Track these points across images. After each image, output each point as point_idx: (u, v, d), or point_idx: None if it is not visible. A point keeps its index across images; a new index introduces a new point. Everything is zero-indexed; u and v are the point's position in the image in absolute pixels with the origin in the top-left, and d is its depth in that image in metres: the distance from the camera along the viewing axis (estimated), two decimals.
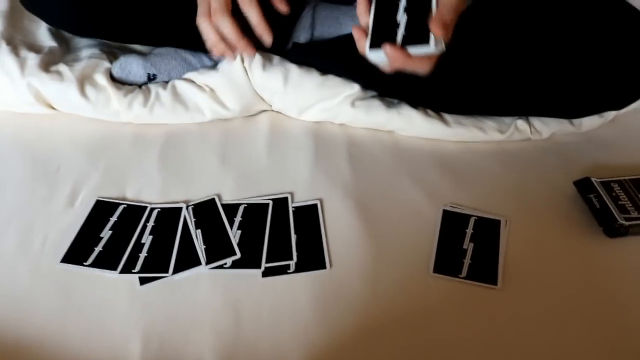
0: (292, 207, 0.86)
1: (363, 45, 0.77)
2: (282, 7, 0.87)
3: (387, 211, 0.85)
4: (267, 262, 0.78)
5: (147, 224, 0.83)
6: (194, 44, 1.05)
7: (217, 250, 0.79)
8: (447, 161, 0.94)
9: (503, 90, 0.90)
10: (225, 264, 0.78)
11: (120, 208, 0.85)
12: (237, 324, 0.71)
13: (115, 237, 0.81)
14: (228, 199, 0.87)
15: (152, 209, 0.85)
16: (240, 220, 0.84)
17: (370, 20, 0.77)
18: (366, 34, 0.77)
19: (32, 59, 0.99)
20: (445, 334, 0.71)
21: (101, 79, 0.98)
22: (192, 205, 0.86)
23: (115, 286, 0.76)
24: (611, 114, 1.00)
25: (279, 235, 0.82)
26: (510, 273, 0.77)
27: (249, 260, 0.78)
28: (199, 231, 0.82)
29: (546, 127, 0.97)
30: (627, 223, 0.80)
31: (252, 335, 0.70)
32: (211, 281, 0.76)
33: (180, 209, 0.85)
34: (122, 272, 0.77)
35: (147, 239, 0.81)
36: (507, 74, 0.88)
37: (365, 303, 0.74)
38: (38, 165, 0.93)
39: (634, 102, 0.91)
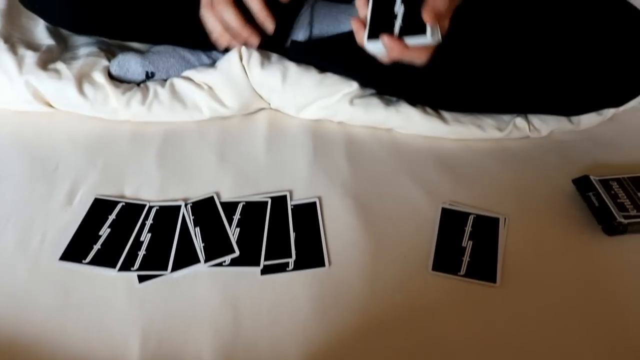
0: (291, 205, 0.86)
1: (361, 36, 0.78)
2: None
3: (386, 209, 0.85)
4: (265, 260, 0.78)
5: (146, 222, 0.83)
6: (193, 42, 1.05)
7: (216, 248, 0.79)
8: (446, 159, 0.94)
9: (501, 88, 0.90)
10: (224, 261, 0.78)
11: (119, 206, 0.85)
12: (236, 321, 0.71)
13: (113, 235, 0.81)
14: (227, 196, 0.87)
15: (150, 207, 0.85)
16: (239, 218, 0.84)
17: (368, 12, 0.79)
18: (364, 26, 0.78)
19: (30, 57, 0.98)
20: (444, 331, 0.71)
21: (99, 77, 0.97)
22: (191, 203, 0.86)
23: (114, 284, 0.76)
24: (610, 112, 1.01)
25: (277, 233, 0.82)
26: (509, 271, 0.77)
27: (247, 258, 0.78)
28: (197, 229, 0.82)
29: (545, 125, 0.97)
30: (625, 221, 0.80)
31: (251, 333, 0.70)
32: (210, 279, 0.76)
33: (178, 207, 0.85)
34: (120, 269, 0.77)
35: (145, 237, 0.81)
36: (506, 71, 0.88)
37: (364, 301, 0.74)
38: (36, 164, 0.92)
39: (633, 99, 0.91)
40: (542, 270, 0.78)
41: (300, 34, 1.03)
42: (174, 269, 0.77)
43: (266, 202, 0.86)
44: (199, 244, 0.80)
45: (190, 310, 0.73)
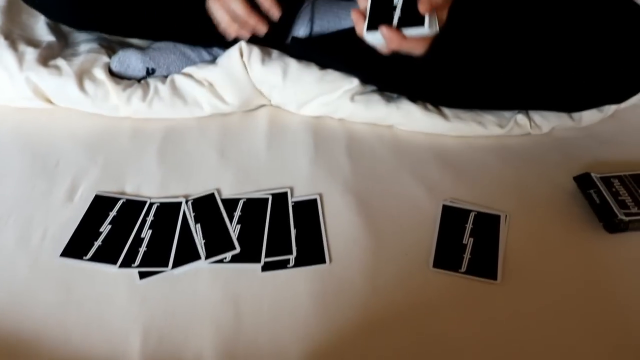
0: (292, 202, 0.86)
1: (361, 27, 0.80)
2: None
3: (386, 206, 0.85)
4: (266, 256, 0.78)
5: (147, 219, 0.83)
6: (193, 38, 1.05)
7: (217, 244, 0.79)
8: (447, 156, 0.94)
9: (502, 83, 0.90)
10: (225, 258, 0.78)
11: (120, 202, 0.85)
12: (237, 318, 0.71)
13: (114, 231, 0.81)
14: (227, 193, 0.87)
15: (151, 204, 0.85)
16: (240, 215, 0.84)
17: (368, 4, 0.80)
18: (364, 17, 0.80)
19: (30, 53, 0.98)
20: (445, 328, 0.71)
21: (100, 74, 0.97)
22: (192, 199, 0.86)
23: (114, 280, 0.76)
24: (611, 109, 1.00)
25: (278, 229, 0.82)
26: (510, 268, 0.77)
27: (248, 255, 0.78)
28: (198, 226, 0.82)
29: (546, 122, 0.97)
30: (627, 218, 0.80)
31: (252, 330, 0.70)
32: (211, 276, 0.76)
33: (179, 203, 0.85)
34: (121, 266, 0.77)
35: (146, 234, 0.81)
36: (506, 66, 0.87)
37: (365, 298, 0.74)
38: (37, 160, 0.92)
39: (634, 95, 0.91)
40: (543, 267, 0.78)
41: (300, 31, 1.03)
42: (174, 266, 0.77)
43: (267, 199, 0.86)
44: (199, 241, 0.80)
45: (191, 306, 0.73)
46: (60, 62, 0.98)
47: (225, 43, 1.00)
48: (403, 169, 0.92)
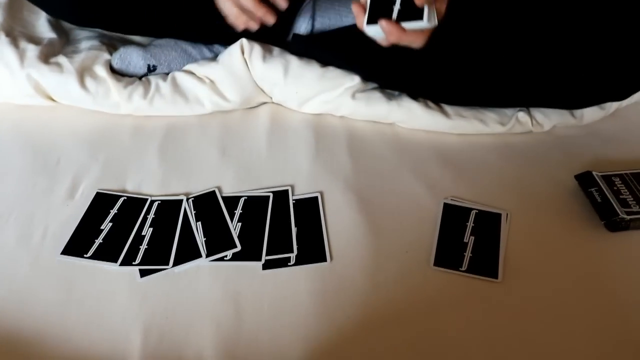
0: (293, 200, 0.86)
1: (361, 20, 0.81)
2: None
3: (387, 204, 0.85)
4: (267, 254, 0.78)
5: (148, 216, 0.83)
6: (194, 35, 1.05)
7: (218, 242, 0.79)
8: (448, 154, 0.94)
9: (503, 80, 0.90)
10: (226, 256, 0.78)
11: (121, 200, 0.85)
12: (238, 316, 0.71)
13: (115, 229, 0.81)
14: (228, 191, 0.87)
15: (152, 201, 0.85)
16: (241, 213, 0.84)
17: None
18: (365, 11, 0.81)
19: (31, 50, 0.98)
20: (446, 327, 0.71)
21: (101, 71, 0.97)
22: (193, 197, 0.86)
23: (115, 278, 0.76)
24: (613, 106, 1.00)
25: (279, 228, 0.82)
26: (511, 267, 0.77)
27: (249, 253, 0.78)
28: (199, 223, 0.82)
29: (547, 119, 0.97)
30: (628, 217, 0.80)
31: (253, 328, 0.70)
32: (211, 273, 0.76)
33: (180, 201, 0.85)
34: (122, 264, 0.77)
35: (147, 232, 0.81)
36: (507, 62, 0.87)
37: (366, 296, 0.74)
38: (38, 158, 0.92)
39: (635, 92, 0.90)
40: (544, 266, 0.78)
41: (302, 28, 1.03)
42: (175, 264, 0.77)
43: (268, 197, 0.86)
44: (200, 239, 0.80)
45: (191, 304, 0.73)
46: (61, 59, 0.98)
47: (227, 40, 1.00)
48: (404, 166, 0.91)
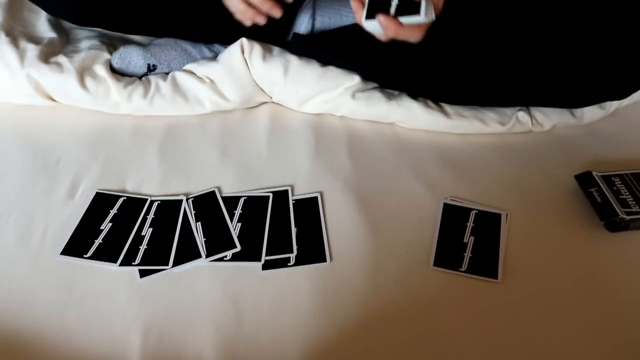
0: (293, 200, 0.86)
1: (360, 15, 0.82)
2: None
3: (387, 204, 0.85)
4: (267, 255, 0.78)
5: (147, 217, 0.83)
6: (194, 34, 1.05)
7: (217, 242, 0.79)
8: (447, 154, 0.94)
9: (503, 79, 0.90)
10: (225, 256, 0.78)
11: (120, 200, 0.85)
12: (237, 316, 0.71)
13: (115, 229, 0.81)
14: (228, 191, 0.87)
15: (152, 202, 0.85)
16: (241, 213, 0.84)
17: None
18: (363, 6, 0.82)
19: (31, 50, 0.98)
20: (445, 327, 0.71)
21: (101, 70, 0.97)
22: (192, 197, 0.86)
23: (115, 279, 0.76)
24: (612, 106, 1.00)
25: (279, 228, 0.82)
26: (511, 267, 0.77)
27: (249, 253, 0.78)
28: (199, 224, 0.82)
29: (547, 119, 0.97)
30: (628, 217, 0.80)
31: (252, 328, 0.70)
32: (211, 274, 0.76)
33: (180, 201, 0.85)
34: (122, 264, 0.77)
35: (147, 232, 0.81)
36: (505, 59, 0.87)
37: (366, 296, 0.74)
38: (38, 158, 0.92)
39: (635, 91, 0.90)
40: (544, 266, 0.78)
41: (302, 27, 1.03)
42: (175, 264, 0.77)
43: (267, 197, 0.86)
44: (200, 239, 0.80)
45: (191, 305, 0.73)
46: (61, 59, 0.98)
47: (227, 39, 1.00)
48: (404, 166, 0.91)
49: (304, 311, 0.72)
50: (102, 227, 0.81)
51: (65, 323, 0.71)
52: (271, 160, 0.92)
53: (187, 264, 0.77)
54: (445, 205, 0.85)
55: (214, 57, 1.02)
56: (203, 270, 0.77)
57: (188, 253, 0.78)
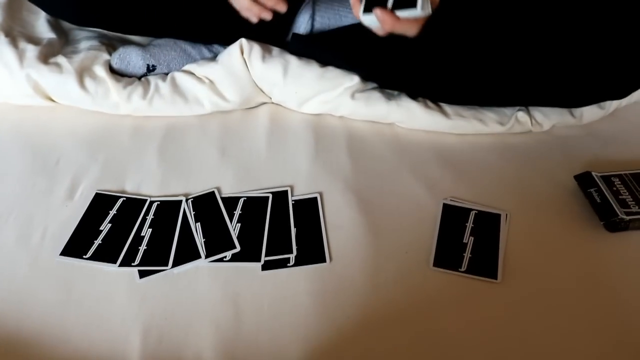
0: (292, 201, 0.86)
1: (357, 10, 0.83)
2: None
3: (387, 204, 0.85)
4: (266, 255, 0.78)
5: (147, 217, 0.83)
6: (194, 35, 1.05)
7: (217, 243, 0.79)
8: (447, 155, 0.94)
9: (502, 78, 0.90)
10: (225, 257, 0.78)
11: (120, 201, 0.85)
12: (237, 317, 0.71)
13: (114, 230, 0.81)
14: (228, 192, 0.87)
15: (151, 202, 0.85)
16: (240, 214, 0.84)
17: None
18: (361, 0, 0.83)
19: (30, 50, 0.98)
20: (445, 327, 0.71)
21: (100, 71, 0.97)
22: (192, 198, 0.86)
23: (114, 279, 0.76)
24: (612, 106, 1.00)
25: (278, 228, 0.82)
26: (510, 267, 0.77)
27: (248, 254, 0.78)
28: (198, 224, 0.82)
29: (547, 119, 0.97)
30: (627, 217, 0.80)
31: (252, 329, 0.70)
32: (211, 274, 0.76)
33: (179, 202, 0.85)
34: (121, 265, 0.77)
35: (146, 232, 0.81)
36: (505, 58, 0.87)
37: (365, 296, 0.74)
38: (37, 158, 0.92)
39: (635, 91, 0.90)
40: (544, 266, 0.78)
41: (301, 28, 1.03)
42: (174, 265, 0.77)
43: (267, 198, 0.86)
44: (199, 240, 0.80)
45: (191, 305, 0.73)
46: (60, 59, 0.98)
47: (226, 40, 1.00)
48: (403, 167, 0.91)
49: (303, 311, 0.72)
50: (101, 228, 0.81)
51: (64, 324, 0.71)
52: (271, 160, 0.92)
53: (186, 264, 0.77)
54: (445, 206, 0.85)
55: (214, 58, 1.02)
56: (203, 270, 0.77)
57: (188, 253, 0.78)
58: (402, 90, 0.99)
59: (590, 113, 0.98)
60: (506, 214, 0.84)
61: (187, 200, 0.85)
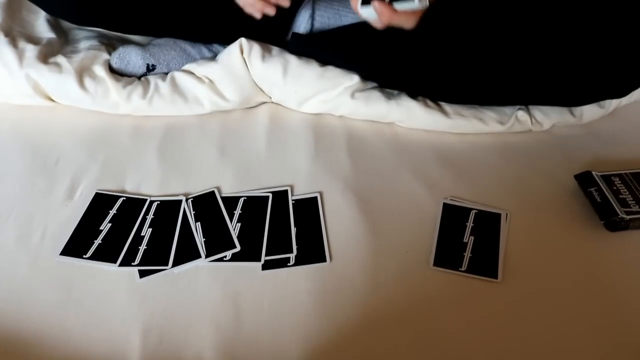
0: (292, 200, 0.85)
1: (356, 2, 0.83)
2: None
3: (387, 204, 0.85)
4: (267, 255, 0.78)
5: (147, 217, 0.83)
6: (193, 34, 1.05)
7: (217, 243, 0.79)
8: (447, 154, 0.94)
9: (502, 77, 0.90)
10: (225, 256, 0.78)
11: (120, 201, 0.85)
12: (237, 317, 0.71)
13: (114, 229, 0.81)
14: (228, 191, 0.87)
15: (151, 202, 0.85)
16: (240, 213, 0.83)
17: None
18: None
19: (30, 50, 0.98)
20: (445, 327, 0.71)
21: (100, 71, 0.97)
22: (192, 198, 0.86)
23: (114, 279, 0.76)
24: (612, 105, 1.00)
25: (278, 228, 0.82)
26: (511, 267, 0.77)
27: (248, 253, 0.78)
28: (198, 224, 0.82)
29: (547, 118, 0.97)
30: (627, 217, 0.80)
31: (252, 328, 0.70)
32: (211, 274, 0.76)
33: (179, 201, 0.85)
34: (121, 265, 0.77)
35: (146, 232, 0.81)
36: (507, 59, 0.87)
37: (365, 296, 0.74)
38: (37, 158, 0.92)
39: (634, 89, 0.90)
40: (544, 266, 0.78)
41: (301, 27, 1.03)
42: (174, 264, 0.77)
43: (267, 197, 0.86)
44: (199, 239, 0.80)
45: (191, 305, 0.73)
46: (60, 59, 0.98)
47: (226, 39, 1.00)
48: (403, 166, 0.91)
49: (303, 311, 0.72)
50: (101, 228, 0.81)
51: (64, 323, 0.71)
52: (271, 160, 0.92)
53: (186, 264, 0.77)
54: (445, 205, 0.85)
55: (213, 57, 1.02)
56: (203, 270, 0.77)
57: (188, 253, 0.78)
58: (401, 89, 0.99)
59: (590, 112, 0.98)
60: (506, 214, 0.84)
61: (187, 199, 0.85)
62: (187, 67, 1.00)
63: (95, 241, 0.79)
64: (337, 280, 0.75)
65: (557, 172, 0.90)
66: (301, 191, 0.87)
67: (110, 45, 1.06)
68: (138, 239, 0.80)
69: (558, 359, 0.68)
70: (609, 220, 0.81)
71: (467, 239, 0.80)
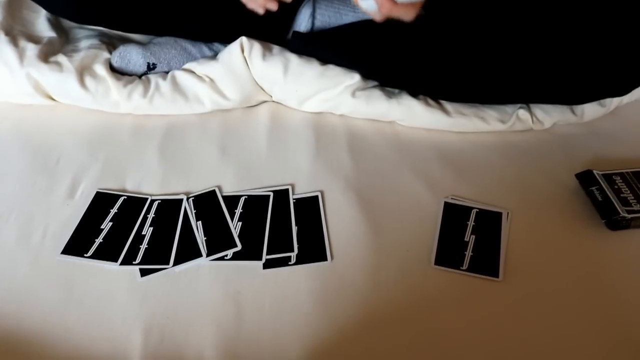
0: (293, 199, 0.85)
1: None
2: None
3: (388, 203, 0.85)
4: (268, 254, 0.78)
5: (148, 216, 0.83)
6: (194, 33, 1.05)
7: (218, 242, 0.79)
8: (448, 153, 0.94)
9: (503, 75, 0.90)
10: (226, 255, 0.78)
11: (121, 200, 0.85)
12: (238, 315, 0.71)
13: (115, 228, 0.81)
14: (228, 190, 0.87)
15: (152, 201, 0.85)
16: (241, 212, 0.83)
17: None
18: None
19: (31, 49, 0.98)
20: (447, 326, 0.71)
21: (100, 70, 0.97)
22: (193, 196, 0.86)
23: (115, 278, 0.76)
24: (613, 103, 1.00)
25: (279, 227, 0.82)
26: (512, 265, 0.77)
27: (249, 252, 0.78)
28: (199, 223, 0.82)
29: (548, 117, 0.97)
30: (629, 216, 0.79)
31: (253, 327, 0.70)
32: (212, 273, 0.76)
33: (180, 200, 0.85)
34: (122, 263, 0.77)
35: (147, 231, 0.81)
36: (508, 58, 0.87)
37: (367, 295, 0.74)
38: (38, 157, 0.92)
39: (636, 87, 0.90)
40: (545, 265, 0.78)
41: (302, 26, 1.03)
42: (175, 263, 0.77)
43: (268, 196, 0.86)
44: (200, 238, 0.80)
45: (192, 304, 0.73)
46: (61, 58, 0.98)
47: (227, 38, 1.00)
48: (404, 165, 0.91)
49: (304, 310, 0.72)
50: (102, 227, 0.81)
51: (65, 322, 0.71)
52: (271, 159, 0.92)
53: (187, 263, 0.77)
54: (446, 204, 0.85)
55: (214, 56, 1.02)
56: (204, 269, 0.77)
57: (189, 252, 0.78)
58: (402, 88, 0.99)
59: (591, 111, 0.98)
60: (507, 212, 0.84)
61: (188, 198, 0.85)
62: (187, 65, 1.00)
63: (96, 240, 0.79)
64: (338, 279, 0.75)
65: (558, 171, 0.90)
66: (302, 190, 0.87)
67: (111, 44, 1.06)
68: (139, 237, 0.80)
69: (559, 357, 0.68)
70: (610, 219, 0.81)
71: (468, 238, 0.80)
